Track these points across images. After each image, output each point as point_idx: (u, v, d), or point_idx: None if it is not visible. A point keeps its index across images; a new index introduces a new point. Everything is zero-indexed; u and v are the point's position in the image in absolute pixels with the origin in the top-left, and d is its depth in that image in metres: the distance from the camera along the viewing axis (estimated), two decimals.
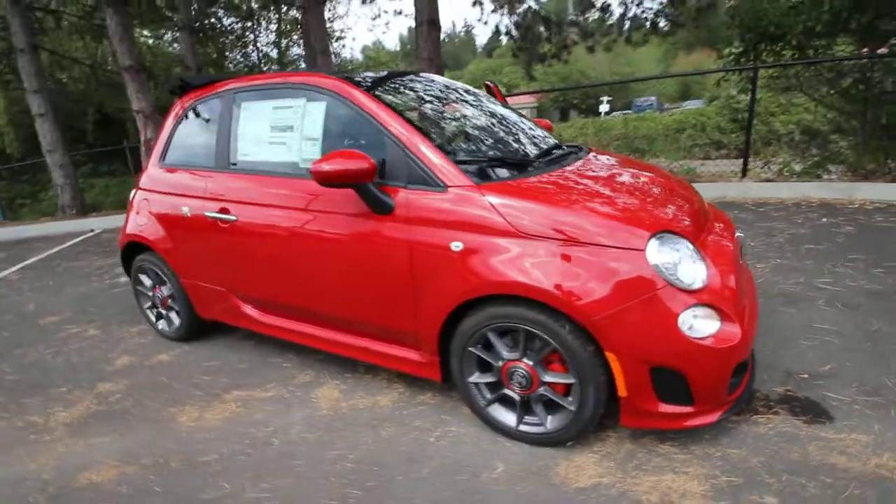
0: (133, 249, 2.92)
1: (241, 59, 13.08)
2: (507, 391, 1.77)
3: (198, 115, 2.54)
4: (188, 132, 2.59)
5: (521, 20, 8.43)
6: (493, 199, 1.65)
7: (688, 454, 1.66)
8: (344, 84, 1.98)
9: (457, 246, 1.68)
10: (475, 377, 1.82)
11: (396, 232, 1.79)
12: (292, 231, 2.09)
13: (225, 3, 10.17)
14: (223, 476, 1.77)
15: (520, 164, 1.92)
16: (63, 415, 2.30)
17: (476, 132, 2.14)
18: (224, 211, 2.31)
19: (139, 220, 2.77)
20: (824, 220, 4.13)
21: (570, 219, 1.58)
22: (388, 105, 1.89)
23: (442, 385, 2.19)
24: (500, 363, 1.74)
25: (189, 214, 2.48)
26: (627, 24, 8.27)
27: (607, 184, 1.87)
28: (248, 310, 2.49)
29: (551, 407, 1.72)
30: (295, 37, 12.94)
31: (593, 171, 1.98)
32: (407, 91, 2.22)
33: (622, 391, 1.54)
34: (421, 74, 2.59)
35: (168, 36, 11.73)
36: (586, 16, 8.61)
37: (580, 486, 1.57)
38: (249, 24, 11.81)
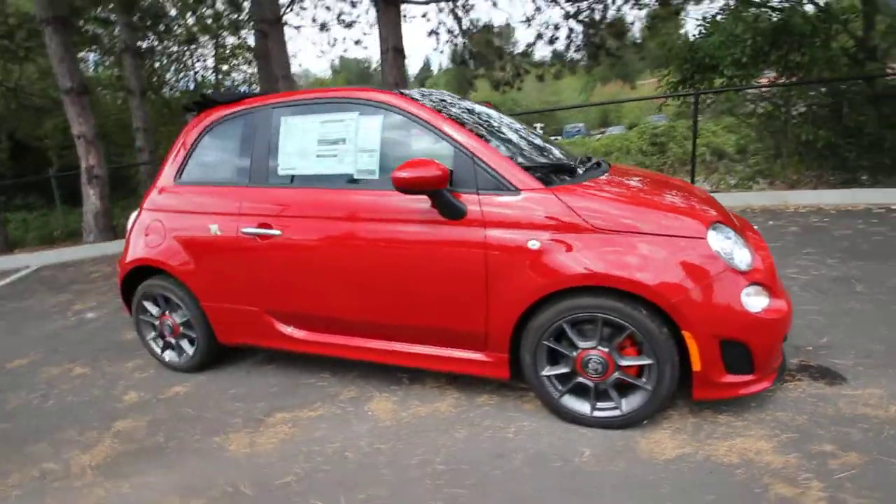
0: (135, 276, 2.73)
1: (179, 83, 12.51)
2: (581, 380, 1.88)
3: (225, 131, 2.48)
4: (213, 148, 2.51)
5: (479, 49, 8.92)
6: (567, 200, 1.80)
7: (744, 421, 1.86)
8: (403, 99, 2.06)
9: (534, 244, 1.80)
10: (548, 370, 1.92)
11: (470, 235, 1.88)
12: (351, 241, 2.10)
13: (164, 26, 9.77)
14: (311, 494, 1.71)
15: (567, 171, 2.10)
16: (85, 458, 2.07)
17: (518, 142, 2.30)
18: (265, 226, 2.26)
19: (150, 243, 2.60)
20: (770, 222, 4.75)
21: (638, 214, 1.76)
22: (451, 117, 2.00)
23: (496, 386, 2.27)
24: (575, 353, 1.86)
25: (219, 233, 2.38)
26: (567, 57, 9.03)
27: (650, 187, 2.09)
28: (287, 329, 2.41)
29: (623, 390, 1.86)
30: (238, 61, 12.63)
31: (630, 179, 2.20)
32: (448, 105, 2.34)
33: (696, 366, 1.72)
34: (441, 92, 2.72)
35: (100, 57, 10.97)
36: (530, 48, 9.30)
37: (667, 458, 1.70)
38: (191, 47, 11.39)
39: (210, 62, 13.09)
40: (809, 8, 5.80)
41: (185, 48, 11.05)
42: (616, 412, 1.86)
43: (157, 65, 10.97)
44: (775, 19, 5.46)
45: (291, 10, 8.94)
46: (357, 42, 9.45)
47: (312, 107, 2.26)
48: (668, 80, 6.64)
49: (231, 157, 2.47)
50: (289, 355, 2.79)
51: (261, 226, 2.27)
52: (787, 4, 5.56)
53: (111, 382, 2.76)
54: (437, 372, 2.40)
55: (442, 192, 1.84)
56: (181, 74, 11.86)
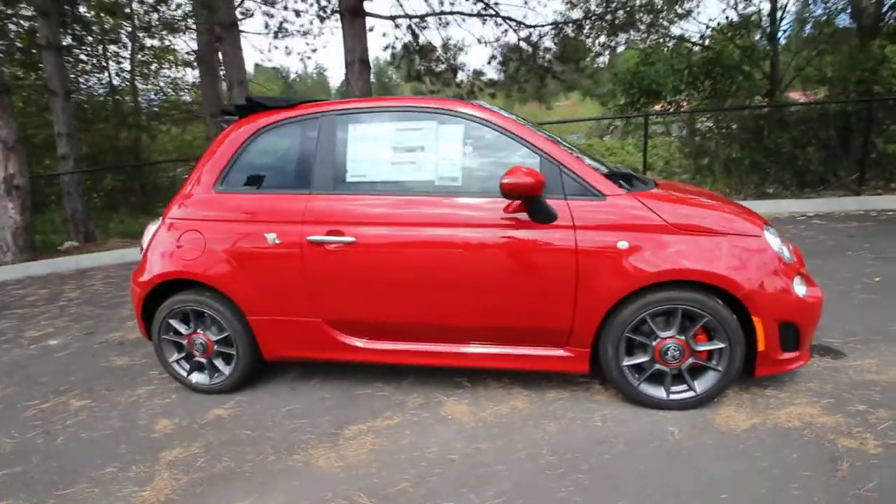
0: (157, 293, 2.49)
1: (93, 85, 11.24)
2: (658, 367, 2.09)
3: (280, 136, 2.38)
4: (265, 154, 2.40)
5: (435, 66, 9.13)
6: (649, 203, 2.01)
7: (786, 393, 2.18)
8: (484, 110, 2.16)
9: (623, 244, 1.98)
10: (627, 360, 2.10)
11: (561, 238, 2.02)
12: (433, 246, 2.13)
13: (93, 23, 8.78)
14: (437, 496, 1.71)
15: (628, 179, 2.32)
16: (146, 493, 1.85)
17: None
18: (336, 233, 2.21)
19: (184, 255, 2.40)
20: None
21: (707, 215, 2.02)
22: (533, 128, 2.13)
23: (559, 382, 2.41)
24: (655, 342, 2.06)
25: (277, 241, 2.27)
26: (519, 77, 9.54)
27: (701, 196, 2.37)
28: (349, 339, 2.35)
29: (694, 374, 2.09)
30: (166, 64, 11.67)
31: (680, 189, 2.47)
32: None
33: (762, 346, 2.00)
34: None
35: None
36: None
37: (744, 429, 1.95)
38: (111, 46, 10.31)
39: (127, 65, 11.94)
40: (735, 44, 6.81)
41: (105, 47, 10.00)
42: (690, 394, 2.09)
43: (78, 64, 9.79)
44: (707, 54, 6.36)
45: (245, 15, 8.53)
46: (314, 51, 9.16)
47: (383, 115, 2.27)
48: (616, 102, 7.37)
49: (288, 162, 2.37)
50: (327, 368, 2.71)
51: (330, 233, 2.22)
52: (716, 43, 6.51)
53: (129, 412, 2.47)
54: (499, 372, 2.51)
55: (539, 198, 1.96)
56: (100, 75, 10.66)
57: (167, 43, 10.81)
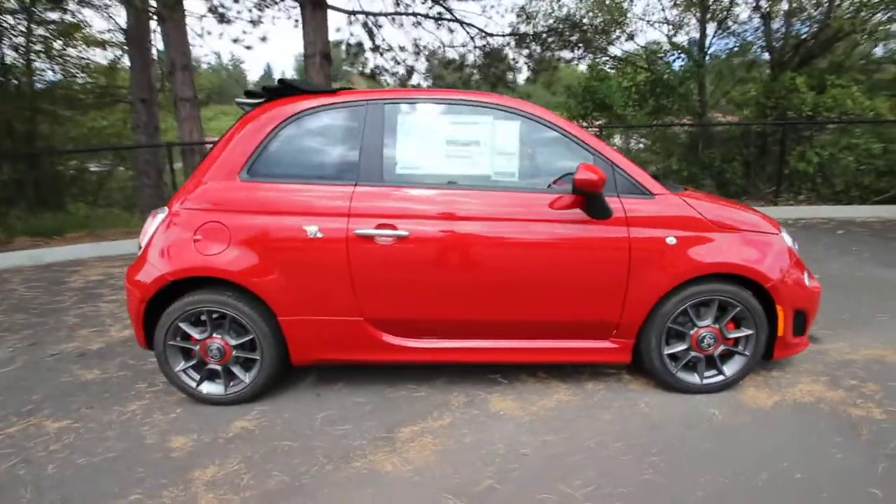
0: (163, 294, 2.20)
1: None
2: (694, 354, 2.25)
3: (319, 123, 2.21)
4: (301, 141, 2.21)
5: (391, 66, 9.01)
6: (691, 203, 2.17)
7: (790, 374, 2.47)
8: (539, 108, 2.19)
9: (671, 240, 2.12)
10: (668, 349, 2.25)
11: (617, 233, 2.11)
12: (489, 241, 2.12)
13: None
14: (529, 489, 1.69)
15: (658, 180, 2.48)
16: None
17: None
18: (387, 227, 2.10)
19: (204, 249, 2.14)
20: None
21: (738, 215, 2.23)
22: (585, 129, 2.21)
23: (592, 374, 2.51)
24: (692, 331, 2.22)
25: (319, 235, 2.11)
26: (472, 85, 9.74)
27: (723, 199, 2.58)
28: (393, 339, 2.24)
29: (723, 359, 2.29)
30: (75, 42, 10.23)
31: (699, 194, 2.68)
32: None
33: (781, 332, 2.24)
34: None
35: None
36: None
37: (771, 406, 2.17)
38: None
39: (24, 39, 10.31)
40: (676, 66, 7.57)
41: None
42: (720, 378, 2.28)
43: None
44: (651, 76, 7.01)
45: None
46: (263, 39, 8.57)
47: (436, 106, 2.22)
48: (570, 114, 7.81)
49: (329, 151, 2.22)
50: (349, 372, 2.57)
51: (381, 227, 2.11)
52: (659, 66, 7.21)
53: (128, 431, 2.14)
54: (531, 367, 2.55)
55: (600, 195, 2.04)
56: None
57: (77, 18, 9.49)
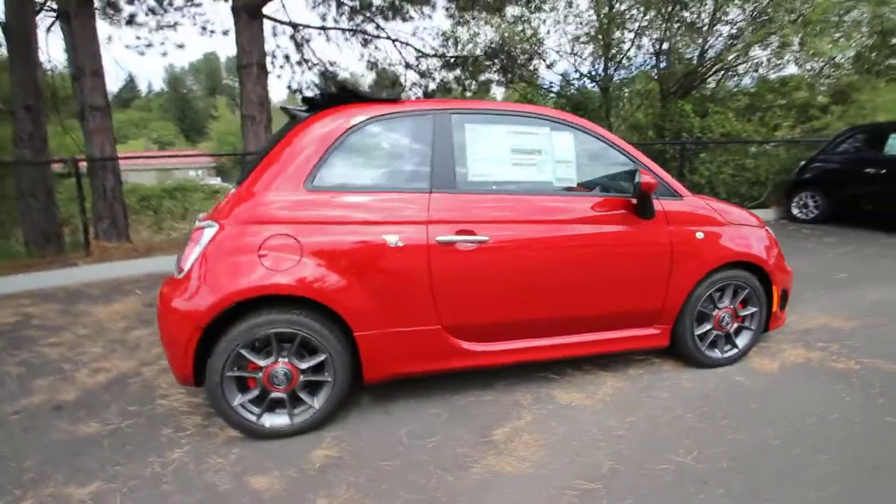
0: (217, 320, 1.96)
1: None
2: (716, 332, 2.63)
3: (386, 131, 2.17)
4: (368, 150, 2.15)
5: (316, 81, 8.76)
6: (710, 203, 2.56)
7: (773, 343, 2.97)
8: (586, 121, 2.42)
9: (700, 235, 2.48)
10: (697, 330, 2.59)
11: (661, 231, 2.40)
12: (558, 243, 2.27)
13: None
14: (646, 463, 1.84)
15: None
16: None
17: None
18: (467, 233, 2.14)
19: (274, 265, 1.96)
20: None
21: (739, 213, 2.68)
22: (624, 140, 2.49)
23: (626, 361, 2.77)
24: (714, 312, 2.60)
25: (400, 244, 2.07)
26: None
27: (720, 200, 3.04)
28: (468, 344, 2.26)
29: (736, 335, 2.70)
30: None
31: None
32: None
33: (775, 308, 2.72)
34: None
35: None
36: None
37: (777, 370, 2.62)
38: None
39: None
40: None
41: None
42: (735, 351, 2.69)
43: None
44: (576, 98, 7.82)
45: None
46: (180, 46, 7.67)
47: (498, 118, 2.32)
48: None
49: (400, 159, 2.19)
50: (403, 386, 2.50)
51: (460, 233, 2.14)
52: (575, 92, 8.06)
53: (191, 481, 1.85)
54: (575, 361, 2.72)
55: (651, 196, 2.31)
56: None
57: None
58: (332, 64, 8.61)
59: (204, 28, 8.33)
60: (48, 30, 6.20)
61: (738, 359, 2.70)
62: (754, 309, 2.67)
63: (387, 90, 9.31)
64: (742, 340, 2.71)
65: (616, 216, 2.36)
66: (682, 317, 2.55)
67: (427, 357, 2.23)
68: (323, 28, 7.95)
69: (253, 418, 2.06)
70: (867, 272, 4.42)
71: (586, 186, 2.40)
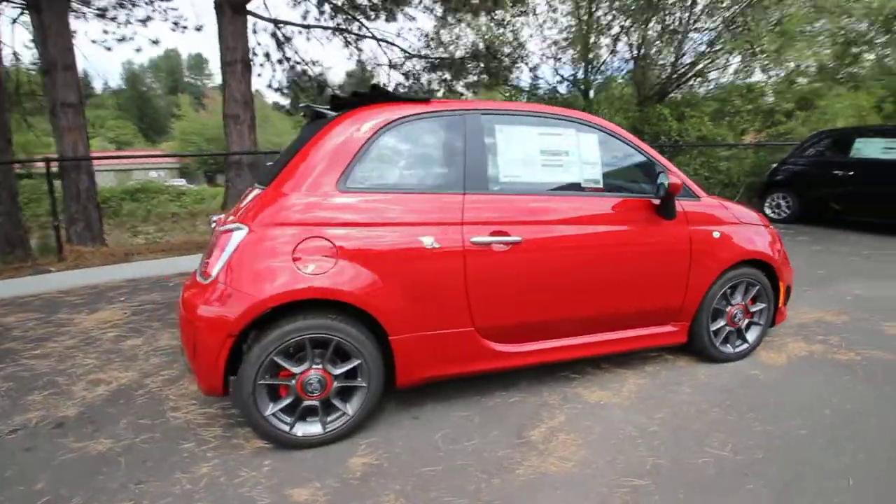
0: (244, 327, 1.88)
1: None
2: (728, 327, 2.72)
3: (417, 132, 2.13)
4: (399, 150, 2.10)
5: (297, 80, 8.56)
6: (724, 204, 2.65)
7: (776, 337, 3.10)
8: (611, 124, 2.46)
9: (716, 234, 2.56)
10: (712, 326, 2.67)
11: (682, 230, 2.47)
12: (588, 244, 2.30)
13: None
14: (686, 457, 1.88)
15: None
16: None
17: None
18: (501, 233, 2.13)
19: (309, 269, 1.89)
20: None
21: (750, 213, 2.79)
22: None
23: (642, 358, 2.83)
24: (727, 309, 2.69)
25: (436, 245, 2.04)
26: None
27: (730, 201, 3.14)
28: (499, 346, 2.25)
29: (746, 330, 2.80)
30: None
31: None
32: None
33: (781, 303, 2.83)
34: None
35: None
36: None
37: (785, 363, 2.73)
38: None
39: None
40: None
41: None
42: (745, 346, 2.78)
43: None
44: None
45: None
46: (155, 42, 7.29)
47: (526, 119, 2.32)
48: None
49: (432, 160, 2.15)
50: (428, 389, 2.46)
51: (494, 234, 2.13)
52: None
53: (226, 496, 1.75)
54: (594, 360, 2.76)
55: (674, 197, 2.37)
56: None
57: None
58: (314, 63, 8.44)
59: (176, 24, 8.00)
60: (14, 21, 5.79)
61: (748, 353, 2.80)
62: (763, 305, 2.78)
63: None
64: (752, 335, 2.81)
65: (641, 217, 2.41)
66: (700, 314, 2.62)
67: (459, 359, 2.21)
68: (307, 26, 7.77)
69: (286, 428, 1.98)
70: (842, 269, 4.68)
71: (611, 187, 2.43)
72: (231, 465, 1.94)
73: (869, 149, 6.15)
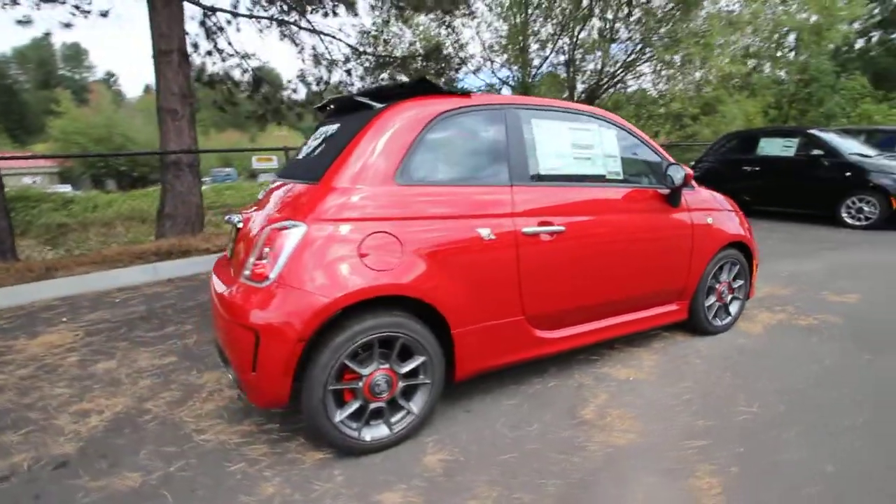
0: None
1: None
2: (717, 303, 3.05)
3: (462, 125, 2.13)
4: (447, 143, 2.08)
5: (228, 73, 7.95)
6: (713, 194, 2.97)
7: (748, 311, 3.51)
8: (624, 121, 2.64)
9: (710, 220, 2.87)
10: (707, 302, 2.98)
11: (686, 217, 2.73)
12: (618, 230, 2.47)
13: None
14: (726, 419, 2.09)
15: None
16: None
17: None
18: (547, 224, 2.21)
19: (377, 265, 1.81)
20: None
21: (726, 201, 3.14)
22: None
23: (644, 338, 3.08)
24: (717, 286, 3.02)
25: (493, 237, 2.06)
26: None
27: None
28: (543, 333, 2.32)
29: (730, 304, 3.16)
30: None
31: None
32: None
33: (754, 278, 3.24)
34: None
35: None
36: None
37: (763, 331, 3.13)
38: None
39: None
40: None
41: None
42: (729, 319, 3.14)
43: None
44: None
45: None
46: (67, 26, 6.18)
47: (557, 114, 2.42)
48: None
49: (478, 153, 2.16)
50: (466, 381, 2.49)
51: (541, 224, 2.20)
52: None
53: None
54: (607, 342, 2.94)
55: (682, 188, 2.62)
56: None
57: None
58: (249, 56, 7.89)
59: (77, 7, 7.02)
60: None
61: (731, 325, 3.17)
62: (742, 281, 3.16)
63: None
64: (734, 309, 3.18)
65: (655, 205, 2.63)
66: (698, 292, 2.92)
67: (510, 349, 2.25)
68: (248, 16, 7.24)
69: (355, 434, 1.88)
70: (768, 251, 5.40)
71: (627, 179, 2.62)
72: (297, 480, 1.81)
73: (771, 147, 7.19)
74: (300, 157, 2.53)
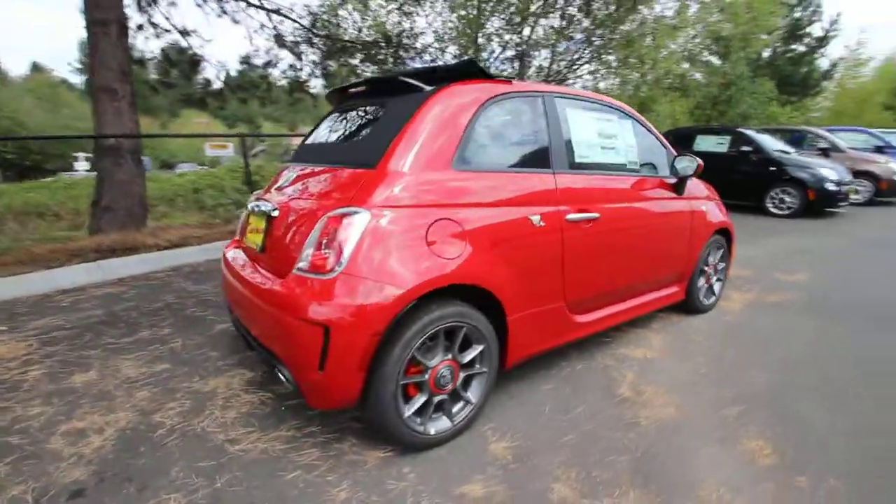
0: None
1: None
2: (705, 284, 3.31)
3: (506, 111, 2.10)
4: (495, 129, 2.04)
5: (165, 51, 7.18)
6: (704, 184, 3.21)
7: (729, 290, 3.86)
8: (637, 112, 2.76)
9: (703, 207, 3.10)
10: (699, 283, 3.23)
11: (687, 205, 2.92)
12: (644, 217, 2.61)
13: None
14: (746, 385, 2.29)
15: None
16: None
17: None
18: (584, 210, 2.25)
19: (445, 253, 1.75)
20: None
21: (709, 189, 3.41)
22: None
23: (645, 320, 3.27)
24: (706, 268, 3.28)
25: (542, 223, 2.07)
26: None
27: None
28: (577, 317, 2.38)
29: (715, 285, 3.44)
30: None
31: None
32: None
33: (733, 258, 3.55)
34: None
35: None
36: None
37: (742, 306, 3.45)
38: None
39: None
40: None
41: None
42: (714, 299, 3.42)
43: None
44: None
45: None
46: None
47: (586, 104, 2.47)
48: None
49: (523, 139, 2.14)
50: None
51: (579, 211, 2.24)
52: None
53: None
54: (616, 326, 3.08)
55: (690, 177, 2.80)
56: None
57: None
58: (186, 33, 7.17)
59: None
60: None
61: (715, 304, 3.46)
62: (724, 264, 3.46)
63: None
64: (717, 288, 3.47)
65: (665, 193, 2.79)
66: (694, 275, 3.15)
67: (553, 334, 2.28)
68: None
69: (420, 428, 1.81)
70: None
71: (642, 168, 2.75)
72: (366, 481, 1.71)
73: (706, 143, 7.89)
74: (319, 141, 2.36)
